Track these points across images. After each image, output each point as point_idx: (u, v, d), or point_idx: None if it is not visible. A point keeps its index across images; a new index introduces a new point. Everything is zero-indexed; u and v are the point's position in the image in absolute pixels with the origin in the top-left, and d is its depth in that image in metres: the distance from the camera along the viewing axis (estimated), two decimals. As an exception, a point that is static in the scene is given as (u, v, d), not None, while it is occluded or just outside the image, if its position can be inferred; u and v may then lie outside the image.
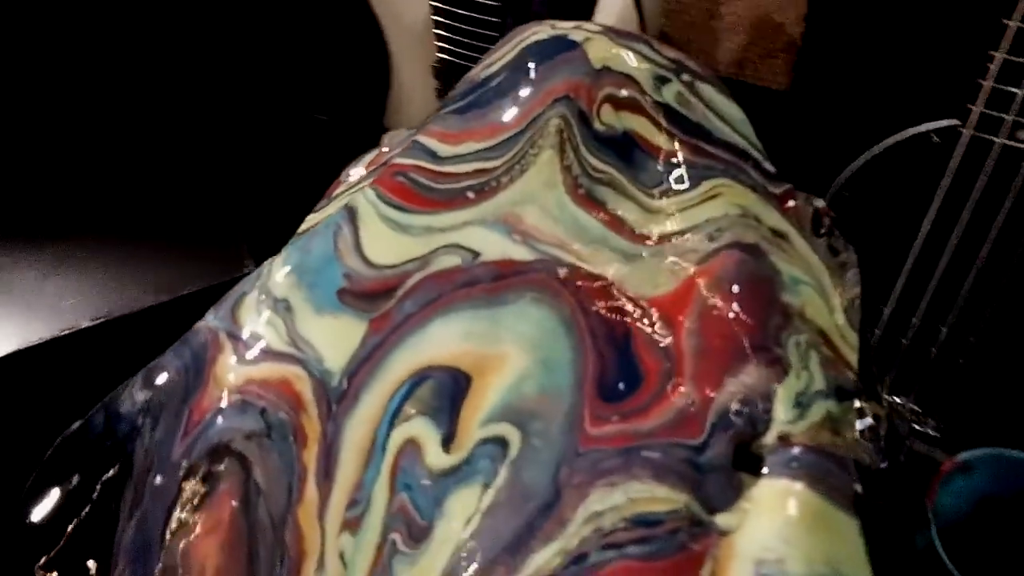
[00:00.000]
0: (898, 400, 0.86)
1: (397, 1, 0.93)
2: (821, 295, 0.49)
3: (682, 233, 0.47)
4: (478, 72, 0.56)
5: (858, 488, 0.53)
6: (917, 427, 0.86)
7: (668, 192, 0.49)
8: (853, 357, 0.49)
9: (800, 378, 0.43)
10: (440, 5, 0.85)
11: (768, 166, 0.53)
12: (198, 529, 0.42)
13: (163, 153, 0.98)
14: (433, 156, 0.52)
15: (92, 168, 0.97)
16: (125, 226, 0.93)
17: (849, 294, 0.51)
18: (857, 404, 0.59)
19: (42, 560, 0.42)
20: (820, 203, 0.52)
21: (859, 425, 0.59)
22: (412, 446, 0.42)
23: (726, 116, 0.52)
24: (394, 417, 0.43)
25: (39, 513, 0.44)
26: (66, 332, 0.82)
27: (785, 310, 0.45)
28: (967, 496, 0.79)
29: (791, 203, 0.52)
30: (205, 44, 1.00)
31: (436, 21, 0.87)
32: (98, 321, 0.82)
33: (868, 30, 0.96)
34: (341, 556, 0.41)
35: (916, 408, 0.87)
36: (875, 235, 0.81)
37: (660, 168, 0.49)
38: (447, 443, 0.42)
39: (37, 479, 0.45)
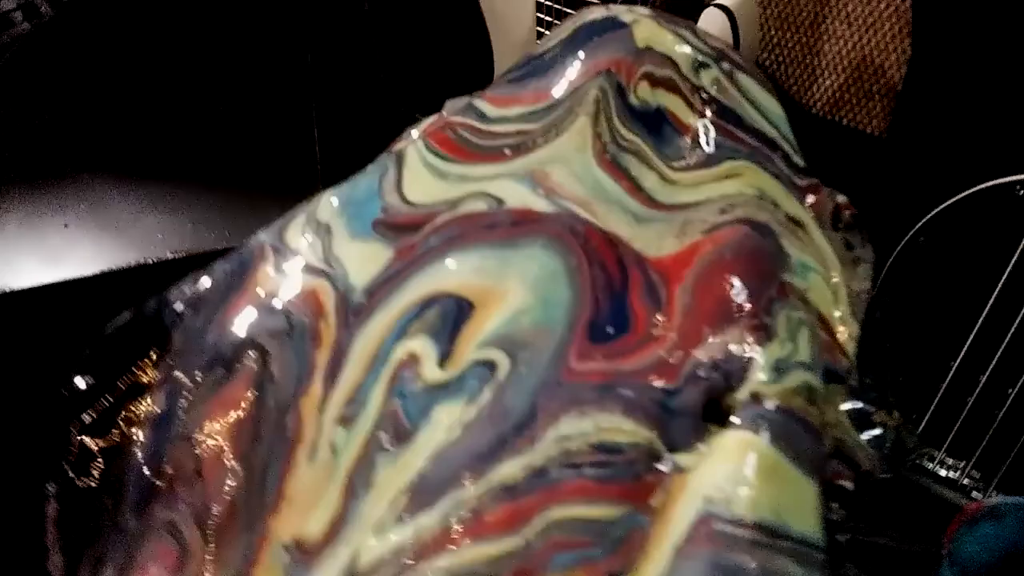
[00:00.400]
0: (951, 460, 0.84)
1: (504, 7, 0.98)
2: (828, 284, 0.51)
3: (695, 205, 0.50)
4: (538, 48, 0.60)
5: (844, 473, 0.54)
6: (977, 494, 0.83)
7: (688, 167, 0.51)
8: (851, 347, 0.50)
9: (783, 347, 0.44)
10: (545, 17, 0.90)
11: (797, 160, 0.55)
12: (214, 405, 0.47)
13: (259, 111, 1.07)
14: (482, 117, 0.56)
15: (194, 119, 1.06)
16: (217, 174, 1.03)
17: (857, 287, 0.52)
18: (868, 412, 0.60)
19: (79, 423, 0.48)
20: (842, 198, 0.53)
21: (866, 435, 0.60)
22: (412, 360, 0.46)
23: (762, 107, 0.55)
24: (400, 333, 0.47)
25: (82, 382, 0.50)
26: (151, 261, 0.91)
27: (783, 287, 0.47)
28: (994, 545, 0.77)
29: (813, 196, 0.54)
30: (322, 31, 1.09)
31: (539, 32, 0.92)
32: (180, 255, 0.91)
33: (969, 79, 0.95)
34: (332, 446, 0.45)
35: (975, 474, 0.85)
36: (950, 286, 0.80)
37: (685, 144, 0.52)
38: (443, 360, 0.46)
39: (89, 351, 0.51)
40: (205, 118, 1.08)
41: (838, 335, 0.50)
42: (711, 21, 0.86)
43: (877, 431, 0.61)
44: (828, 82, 1.09)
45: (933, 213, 1.03)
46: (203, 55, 1.10)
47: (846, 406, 0.58)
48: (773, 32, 1.08)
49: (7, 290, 0.91)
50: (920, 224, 1.01)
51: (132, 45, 1.13)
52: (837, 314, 0.50)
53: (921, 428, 0.82)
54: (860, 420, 0.60)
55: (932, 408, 0.58)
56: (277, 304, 0.49)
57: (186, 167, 1.04)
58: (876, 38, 1.01)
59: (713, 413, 0.43)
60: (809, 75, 1.10)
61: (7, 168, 1.06)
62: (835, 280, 0.51)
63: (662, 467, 0.41)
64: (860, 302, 0.52)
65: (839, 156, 1.04)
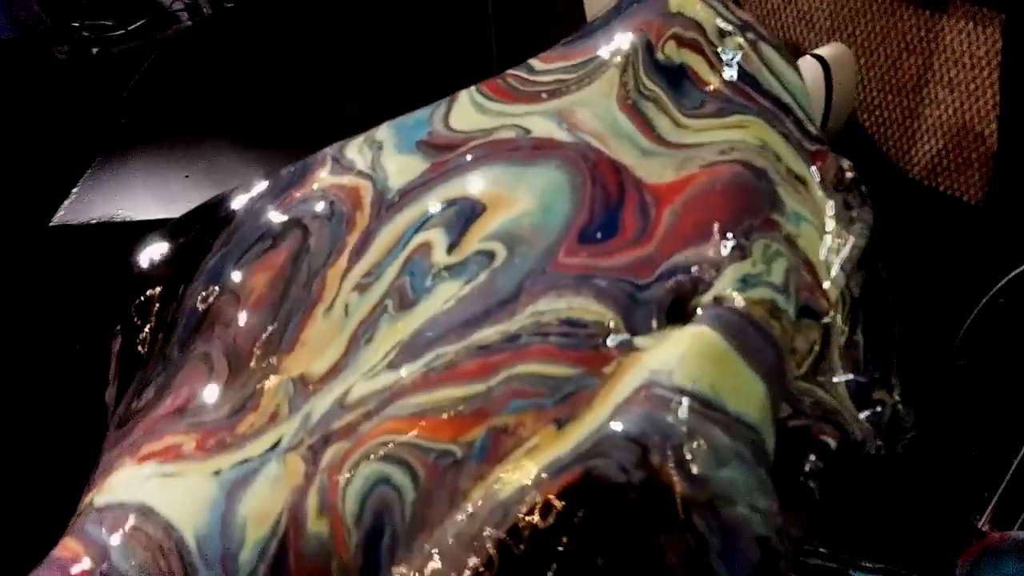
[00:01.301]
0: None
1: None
2: (820, 235, 0.54)
3: (699, 146, 0.55)
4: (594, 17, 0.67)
5: (830, 432, 0.57)
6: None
7: (700, 115, 0.56)
8: (834, 293, 0.53)
9: (755, 266, 0.48)
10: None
11: (811, 128, 0.59)
12: (257, 266, 0.55)
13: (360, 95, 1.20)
14: (530, 70, 0.63)
15: (305, 103, 1.19)
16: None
17: (850, 243, 0.55)
18: (868, 389, 0.63)
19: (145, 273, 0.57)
20: (846, 163, 0.57)
21: (864, 413, 0.62)
22: (425, 246, 0.53)
23: (781, 76, 0.59)
24: (420, 226, 0.54)
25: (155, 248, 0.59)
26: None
27: (769, 222, 0.51)
28: (1019, 582, 0.75)
29: (820, 161, 0.57)
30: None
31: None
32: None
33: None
34: (346, 307, 0.52)
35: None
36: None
37: (702, 97, 0.57)
38: (451, 248, 0.52)
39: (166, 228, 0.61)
40: (314, 104, 1.21)
41: (821, 280, 0.53)
42: (805, 69, 0.89)
43: (876, 408, 0.63)
44: (927, 147, 1.08)
45: (1013, 275, 1.02)
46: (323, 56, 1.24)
47: (843, 378, 0.61)
48: (874, 94, 1.09)
49: (128, 220, 1.04)
50: (1000, 285, 1.00)
51: (266, 40, 1.28)
52: (825, 263, 0.54)
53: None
54: (860, 398, 0.62)
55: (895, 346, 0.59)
56: (324, 195, 0.57)
57: (293, 139, 1.16)
58: (977, 105, 1.00)
59: (677, 313, 0.48)
60: (908, 139, 1.10)
61: (143, 129, 1.21)
62: (828, 233, 0.55)
63: (619, 344, 0.46)
64: (851, 258, 0.55)
65: (935, 222, 1.03)
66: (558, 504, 0.39)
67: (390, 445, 0.44)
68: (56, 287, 1.21)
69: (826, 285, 0.53)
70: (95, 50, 1.50)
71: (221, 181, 1.12)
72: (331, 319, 0.51)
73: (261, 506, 0.43)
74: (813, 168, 0.57)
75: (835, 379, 0.59)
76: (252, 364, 0.50)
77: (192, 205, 1.08)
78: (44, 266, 1.19)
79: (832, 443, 0.57)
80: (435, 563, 0.41)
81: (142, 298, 0.57)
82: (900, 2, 1.01)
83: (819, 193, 0.56)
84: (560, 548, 0.39)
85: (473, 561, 0.39)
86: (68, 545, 0.44)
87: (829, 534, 1.02)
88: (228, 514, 0.43)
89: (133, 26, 1.57)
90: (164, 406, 0.51)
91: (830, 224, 0.55)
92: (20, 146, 1.38)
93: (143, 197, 1.12)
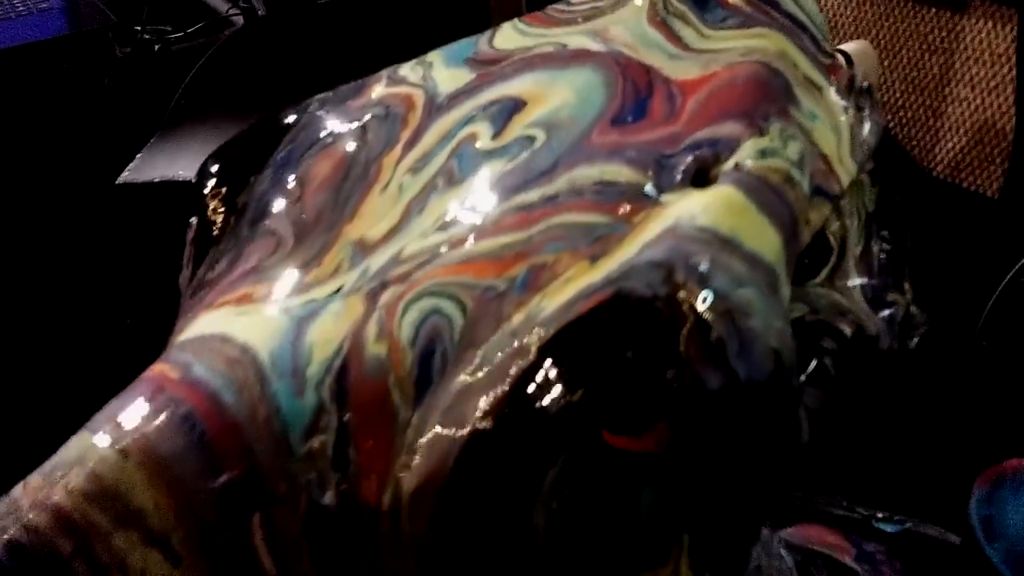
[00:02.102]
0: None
1: None
2: (835, 133, 0.59)
3: (722, 51, 0.60)
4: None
5: (845, 321, 0.61)
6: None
7: (723, 27, 0.62)
8: (846, 180, 0.58)
9: (772, 142, 0.53)
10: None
11: (825, 46, 0.64)
12: (320, 156, 0.61)
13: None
14: (568, 3, 0.70)
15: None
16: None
17: (860, 139, 0.60)
18: (882, 292, 0.67)
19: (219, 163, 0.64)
20: (859, 72, 0.62)
21: (881, 312, 0.66)
22: (472, 136, 0.59)
23: (800, 1, 0.65)
24: (467, 121, 0.60)
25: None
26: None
27: (786, 112, 0.56)
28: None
29: (833, 74, 0.62)
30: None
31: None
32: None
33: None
34: (400, 186, 0.57)
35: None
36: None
37: (724, 14, 0.63)
38: (495, 136, 0.58)
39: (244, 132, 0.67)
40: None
41: (836, 170, 0.58)
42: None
43: (889, 309, 0.67)
44: (949, 145, 1.11)
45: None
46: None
47: (858, 282, 0.65)
48: (898, 95, 1.13)
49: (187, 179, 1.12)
50: (1020, 266, 1.03)
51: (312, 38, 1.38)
52: (838, 156, 0.59)
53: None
54: (874, 301, 0.66)
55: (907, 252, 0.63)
56: (380, 102, 0.64)
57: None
58: (998, 102, 1.03)
59: (700, 181, 0.53)
60: (931, 137, 1.13)
61: (201, 109, 1.29)
62: (841, 130, 0.59)
63: (647, 199, 0.51)
64: (863, 152, 0.59)
65: (958, 218, 1.07)
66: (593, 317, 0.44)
67: (440, 285, 0.49)
68: (120, 240, 1.30)
69: (839, 173, 0.58)
70: (156, 47, 1.60)
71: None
72: (386, 196, 0.57)
73: (326, 334, 0.48)
74: (827, 78, 0.62)
75: (850, 283, 0.63)
76: (316, 233, 0.56)
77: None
78: (110, 221, 1.27)
79: (848, 330, 0.61)
80: (482, 372, 0.45)
81: (214, 188, 0.63)
82: (921, 4, 1.05)
83: (833, 98, 0.61)
84: (594, 352, 0.43)
85: (517, 367, 0.44)
86: (154, 368, 0.49)
87: (852, 487, 1.05)
88: (297, 339, 0.48)
89: (191, 29, 1.67)
90: (236, 272, 0.56)
91: (843, 122, 0.60)
92: (83, 127, 1.48)
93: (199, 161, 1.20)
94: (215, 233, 0.61)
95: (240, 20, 1.77)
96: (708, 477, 0.44)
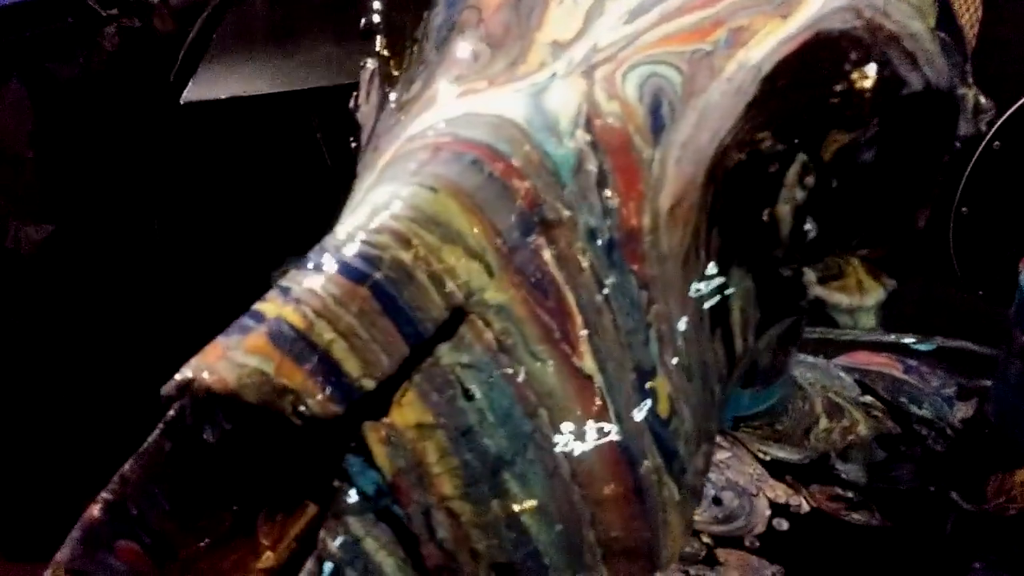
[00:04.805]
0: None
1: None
2: None
3: None
4: None
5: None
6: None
7: None
8: None
9: None
10: None
11: None
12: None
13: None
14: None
15: None
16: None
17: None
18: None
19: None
20: None
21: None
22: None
23: None
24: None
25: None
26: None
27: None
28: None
29: None
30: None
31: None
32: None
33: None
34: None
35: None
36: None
37: None
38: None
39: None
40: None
41: None
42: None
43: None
44: None
45: (1005, 117, 1.20)
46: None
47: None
48: None
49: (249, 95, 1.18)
50: (994, 129, 1.18)
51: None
52: None
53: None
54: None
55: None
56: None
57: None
58: None
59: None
60: None
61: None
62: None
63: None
64: None
65: None
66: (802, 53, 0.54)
67: (650, 56, 0.58)
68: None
69: None
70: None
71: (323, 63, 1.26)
72: (563, 8, 0.65)
73: (562, 100, 0.56)
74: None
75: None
76: (509, 43, 0.64)
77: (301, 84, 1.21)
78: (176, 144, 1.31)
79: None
80: (703, 115, 0.54)
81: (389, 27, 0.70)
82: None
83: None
84: (809, 80, 0.53)
85: (741, 104, 0.53)
86: (419, 143, 0.56)
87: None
88: (539, 106, 0.56)
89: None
90: (440, 83, 0.63)
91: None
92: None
93: (257, 79, 1.25)
94: (397, 65, 0.68)
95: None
96: (896, 171, 0.54)
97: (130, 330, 1.55)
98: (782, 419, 1.00)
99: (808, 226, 0.54)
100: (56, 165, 1.50)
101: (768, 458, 0.95)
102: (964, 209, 1.35)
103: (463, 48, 0.65)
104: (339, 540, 0.43)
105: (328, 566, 0.42)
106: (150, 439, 0.49)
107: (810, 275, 0.55)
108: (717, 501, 0.90)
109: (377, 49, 0.69)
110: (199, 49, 1.45)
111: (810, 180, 0.53)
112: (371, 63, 0.70)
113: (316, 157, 1.57)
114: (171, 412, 0.48)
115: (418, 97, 0.64)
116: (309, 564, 0.43)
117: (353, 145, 0.72)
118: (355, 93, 0.71)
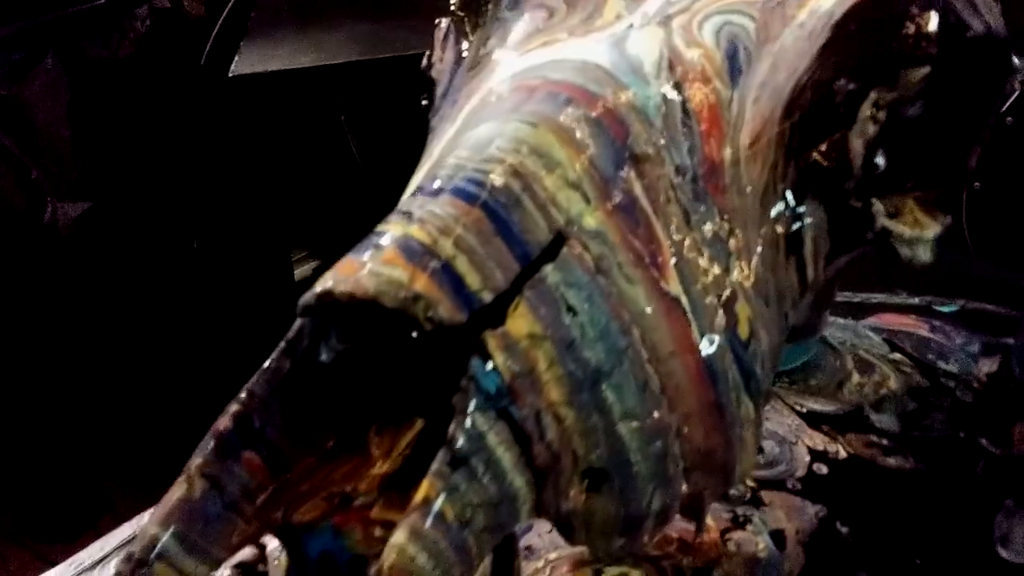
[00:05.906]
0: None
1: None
2: None
3: None
4: None
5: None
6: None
7: None
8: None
9: None
10: None
11: None
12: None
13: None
14: None
15: None
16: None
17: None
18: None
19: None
20: None
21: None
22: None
23: None
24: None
25: None
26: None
27: None
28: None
29: None
30: None
31: None
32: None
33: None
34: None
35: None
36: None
37: None
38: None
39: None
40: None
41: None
42: None
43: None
44: None
45: (1018, 93, 1.25)
46: None
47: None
48: None
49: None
50: (1008, 103, 1.22)
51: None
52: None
53: None
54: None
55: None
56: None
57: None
58: None
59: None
60: None
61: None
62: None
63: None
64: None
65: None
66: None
67: (724, 6, 0.62)
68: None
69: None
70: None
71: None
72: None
73: (644, 46, 0.60)
74: None
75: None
76: (583, 1, 0.68)
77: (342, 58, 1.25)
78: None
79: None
80: (778, 59, 0.59)
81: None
82: None
83: None
84: (879, 20, 0.57)
85: (815, 47, 0.57)
86: (508, 85, 0.60)
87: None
88: (623, 52, 0.60)
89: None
90: (517, 37, 0.67)
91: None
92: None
93: (300, 54, 1.29)
94: (471, 23, 0.72)
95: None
96: (955, 111, 0.59)
97: (165, 306, 1.59)
98: (816, 375, 1.05)
99: (879, 159, 0.58)
100: (93, 143, 1.53)
101: (804, 410, 1.00)
102: (976, 184, 1.40)
103: (539, 5, 0.69)
104: (466, 433, 0.46)
105: (460, 450, 0.46)
106: (272, 355, 0.53)
107: (878, 206, 0.59)
108: (759, 449, 0.94)
109: (451, 7, 0.73)
110: (229, 32, 1.48)
111: (881, 115, 0.57)
112: (444, 22, 0.74)
113: (339, 135, 1.60)
114: (291, 332, 0.52)
115: (495, 51, 0.68)
116: (440, 453, 0.46)
117: (424, 102, 0.76)
118: (428, 52, 0.75)
